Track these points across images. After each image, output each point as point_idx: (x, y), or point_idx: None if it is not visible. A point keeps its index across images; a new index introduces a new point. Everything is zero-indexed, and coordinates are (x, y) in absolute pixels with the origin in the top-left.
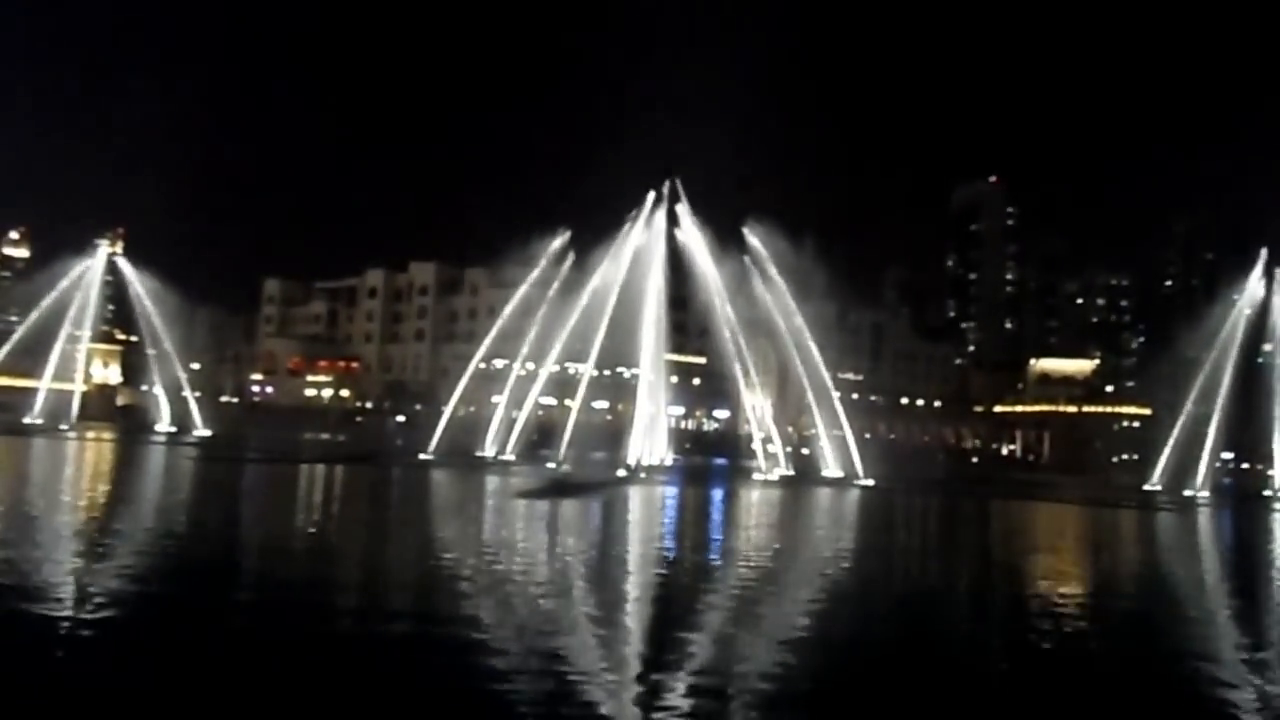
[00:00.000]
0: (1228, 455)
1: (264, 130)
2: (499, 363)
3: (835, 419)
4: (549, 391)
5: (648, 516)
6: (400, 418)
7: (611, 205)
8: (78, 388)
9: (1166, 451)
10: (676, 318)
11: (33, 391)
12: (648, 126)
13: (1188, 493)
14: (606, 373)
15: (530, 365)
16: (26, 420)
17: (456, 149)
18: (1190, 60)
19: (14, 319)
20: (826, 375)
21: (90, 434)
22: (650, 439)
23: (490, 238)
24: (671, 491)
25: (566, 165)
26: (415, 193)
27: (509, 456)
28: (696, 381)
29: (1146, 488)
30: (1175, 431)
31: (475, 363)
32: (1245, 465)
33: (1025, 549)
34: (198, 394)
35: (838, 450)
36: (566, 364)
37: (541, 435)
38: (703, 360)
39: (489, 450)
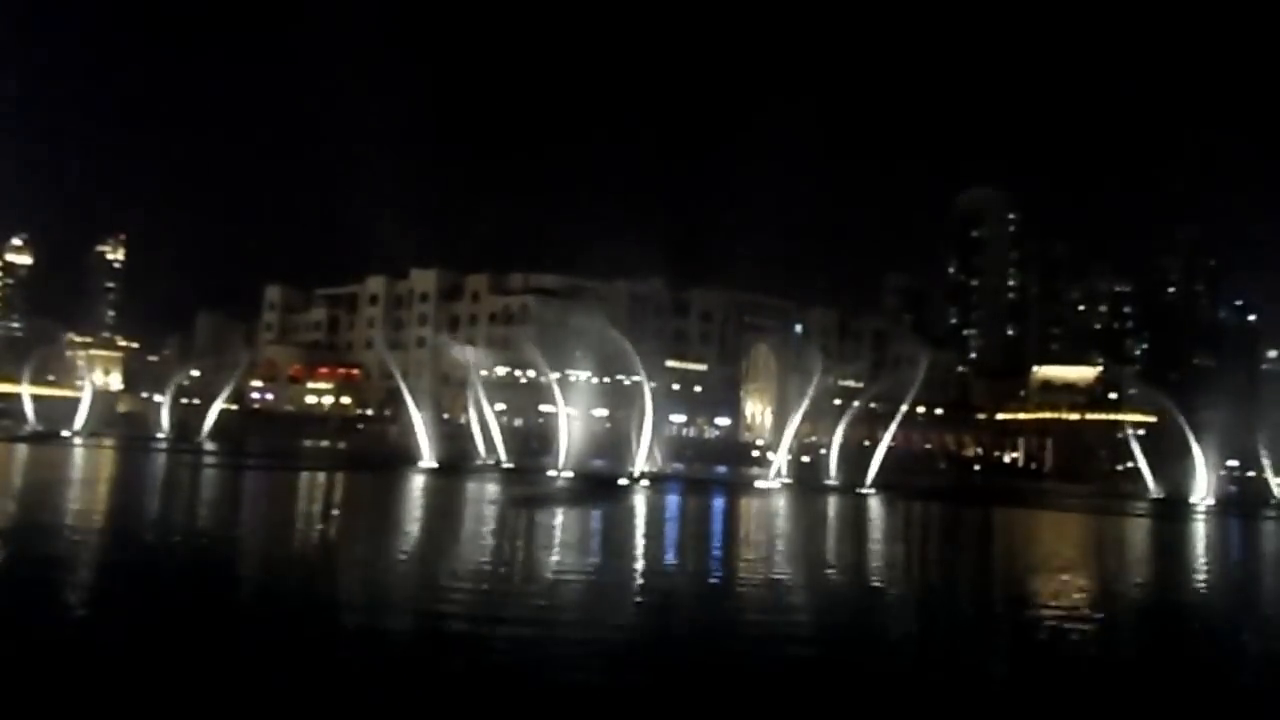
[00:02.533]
0: (1233, 463)
1: (265, 137)
2: (500, 370)
3: (836, 427)
4: (550, 399)
5: (652, 526)
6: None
7: (608, 205)
8: (86, 396)
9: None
10: (677, 325)
11: (35, 399)
12: (646, 129)
13: (1192, 501)
14: (607, 380)
15: (530, 373)
16: (28, 428)
17: (457, 153)
18: (1194, 67)
19: (16, 325)
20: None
21: (92, 441)
22: (650, 447)
23: (492, 244)
24: (673, 500)
25: (565, 169)
26: (416, 198)
27: (508, 464)
28: (697, 389)
29: (1149, 496)
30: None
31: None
32: (1250, 473)
33: (1044, 563)
34: (196, 401)
35: (839, 458)
36: (567, 371)
37: (541, 443)
38: (703, 367)
39: (488, 458)
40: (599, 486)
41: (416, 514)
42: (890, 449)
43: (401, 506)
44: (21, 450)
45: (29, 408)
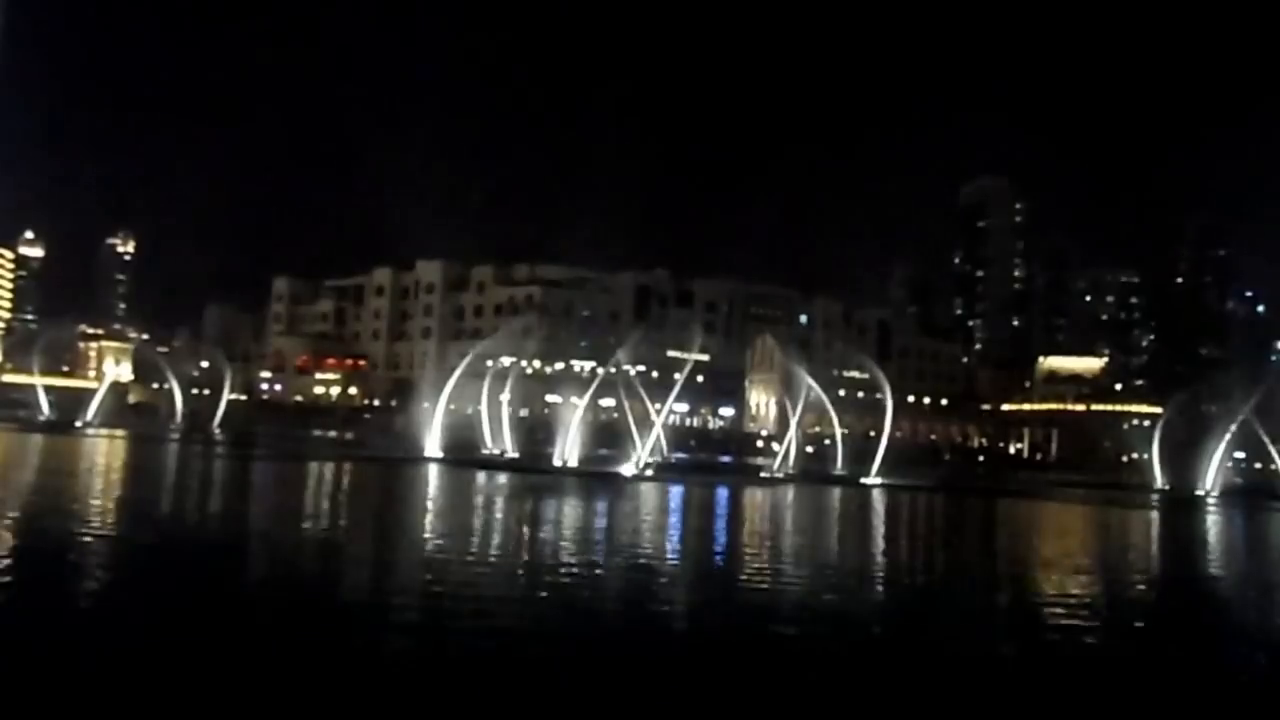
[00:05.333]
0: (1240, 454)
1: (272, 130)
2: (505, 361)
3: (841, 417)
4: (554, 389)
5: (661, 515)
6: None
7: (613, 197)
8: (103, 388)
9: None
10: (681, 315)
11: (47, 390)
12: (652, 120)
13: (1198, 492)
14: (612, 370)
15: (536, 363)
16: (40, 418)
17: (463, 145)
18: (1202, 56)
19: (30, 318)
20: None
21: (105, 431)
22: (655, 437)
23: (497, 235)
24: (678, 490)
25: (570, 161)
26: (422, 190)
27: (513, 454)
28: (701, 379)
29: (1155, 487)
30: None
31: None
32: (1258, 465)
33: (1044, 557)
34: (207, 391)
35: (844, 449)
36: (572, 362)
37: (546, 433)
38: (707, 358)
39: (494, 448)
40: (602, 477)
41: (421, 504)
42: (895, 440)
43: (409, 497)
44: (39, 441)
45: (43, 398)
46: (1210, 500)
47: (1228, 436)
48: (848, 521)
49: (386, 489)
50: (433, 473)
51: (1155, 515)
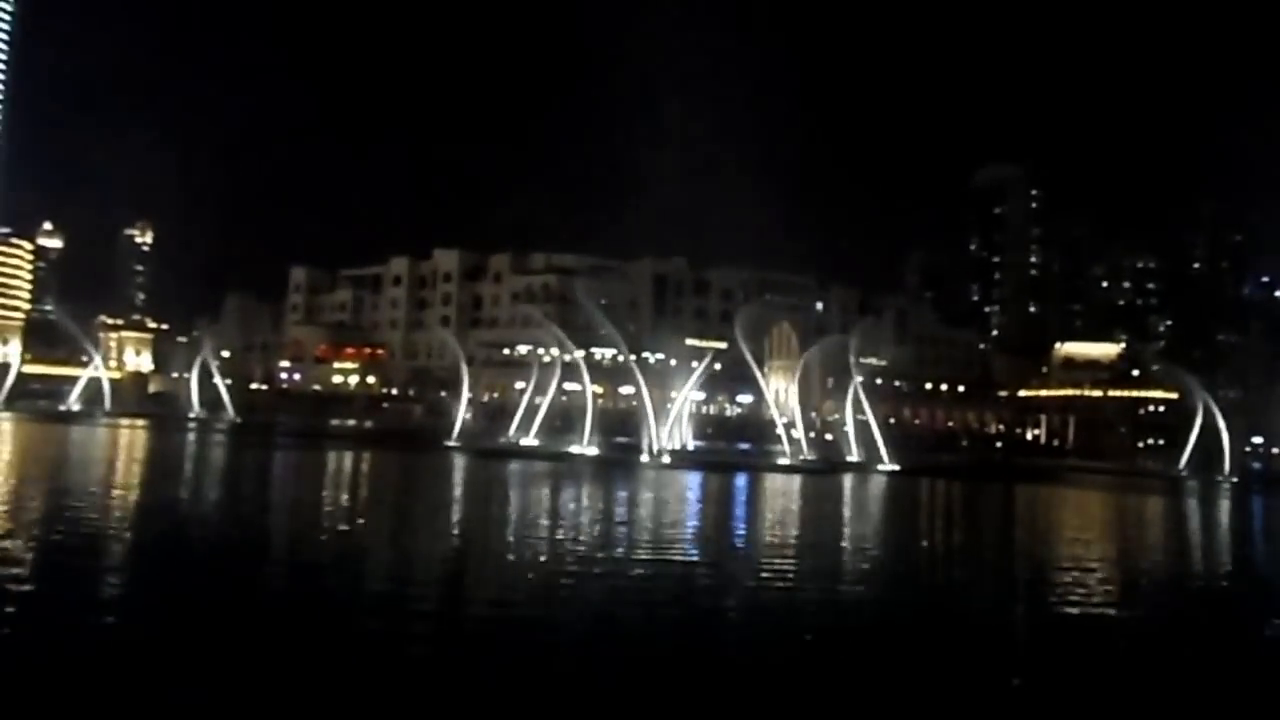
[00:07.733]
0: (1257, 439)
1: (289, 121)
2: (523, 349)
3: (858, 404)
4: (573, 377)
5: (680, 502)
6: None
7: (628, 185)
8: (102, 374)
9: (1194, 437)
10: (698, 304)
11: (69, 380)
12: (664, 109)
13: (1217, 478)
14: (633, 358)
15: (555, 351)
16: (62, 408)
17: (477, 135)
18: (1218, 40)
19: (49, 308)
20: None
21: (125, 421)
22: (672, 425)
23: (514, 224)
24: (695, 477)
25: (583, 151)
26: (438, 180)
27: (533, 442)
28: (719, 367)
29: (1172, 473)
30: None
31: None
32: (1275, 450)
33: (1061, 545)
34: (228, 381)
35: (861, 436)
36: (592, 349)
37: (565, 421)
38: (724, 345)
39: (513, 436)
40: (619, 463)
41: (448, 491)
42: (914, 426)
43: (435, 484)
44: (61, 431)
45: (77, 388)
46: (1226, 485)
47: (1199, 420)
48: (897, 511)
49: (423, 479)
50: (450, 461)
51: (1170, 501)
